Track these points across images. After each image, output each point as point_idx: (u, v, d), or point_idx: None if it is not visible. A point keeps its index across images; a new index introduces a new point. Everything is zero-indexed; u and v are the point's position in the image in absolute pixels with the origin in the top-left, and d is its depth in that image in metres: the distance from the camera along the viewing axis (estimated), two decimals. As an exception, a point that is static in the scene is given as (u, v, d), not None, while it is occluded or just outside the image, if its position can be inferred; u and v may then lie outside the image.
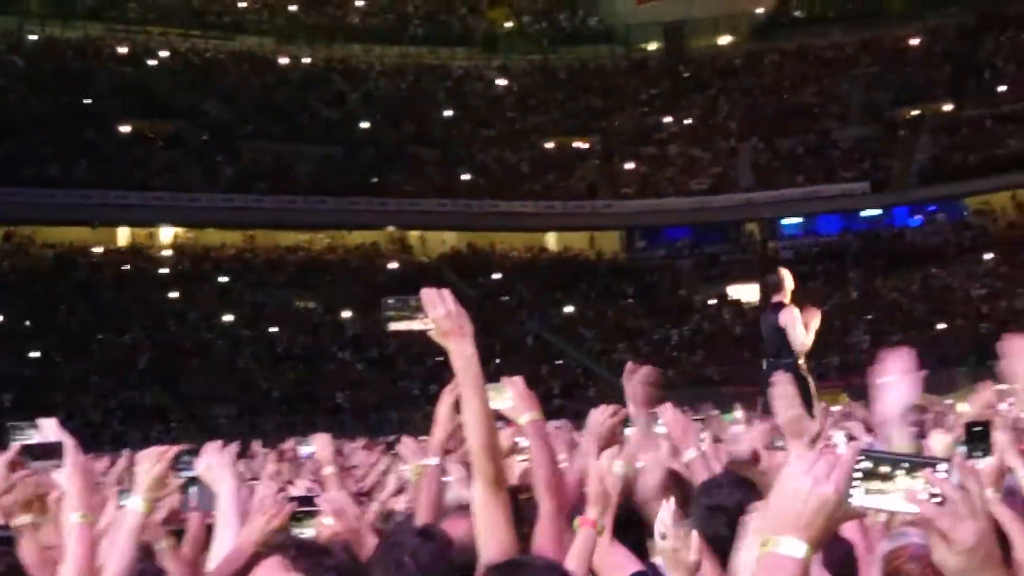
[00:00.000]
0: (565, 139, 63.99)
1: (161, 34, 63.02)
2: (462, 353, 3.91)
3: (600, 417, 5.43)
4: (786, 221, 62.54)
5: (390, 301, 3.96)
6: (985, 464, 4.78)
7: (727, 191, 60.74)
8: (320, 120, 61.26)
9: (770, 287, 13.53)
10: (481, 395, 3.98)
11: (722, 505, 4.36)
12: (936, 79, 63.55)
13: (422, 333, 3.93)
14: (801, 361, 12.72)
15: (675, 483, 5.20)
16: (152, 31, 63.04)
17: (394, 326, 3.97)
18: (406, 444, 6.42)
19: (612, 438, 5.38)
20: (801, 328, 12.79)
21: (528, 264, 60.26)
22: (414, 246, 60.28)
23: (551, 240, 63.21)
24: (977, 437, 4.79)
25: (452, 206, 58.54)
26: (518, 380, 4.74)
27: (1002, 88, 60.78)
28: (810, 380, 12.51)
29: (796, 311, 12.91)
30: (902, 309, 54.15)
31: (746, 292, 58.23)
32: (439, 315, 3.86)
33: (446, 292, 3.91)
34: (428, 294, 3.88)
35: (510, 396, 4.70)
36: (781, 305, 13.08)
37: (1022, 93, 59.77)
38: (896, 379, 4.17)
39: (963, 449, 4.89)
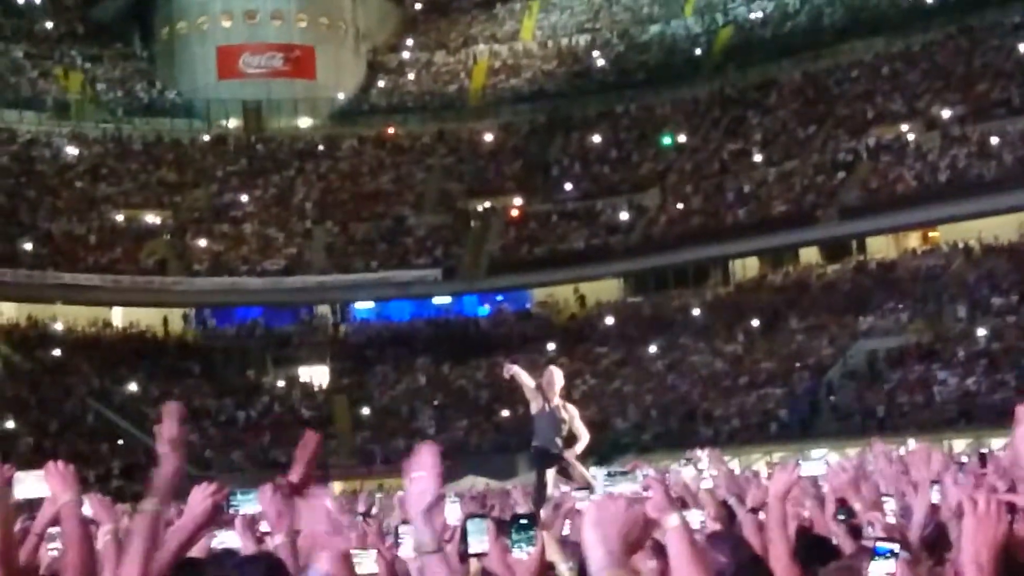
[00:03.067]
0: (136, 212, 62.30)
1: None
2: None
3: (199, 496, 5.00)
4: (358, 305, 63.03)
5: None
6: (527, 555, 4.71)
7: (300, 273, 60.61)
8: None
9: None
10: None
11: None
12: (507, 174, 65.88)
13: None
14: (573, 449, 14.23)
15: None
16: None
17: None
18: None
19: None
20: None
21: (91, 339, 58.04)
22: (-33, 317, 57.08)
23: (117, 315, 61.17)
24: (522, 528, 4.67)
25: (12, 276, 55.61)
26: (51, 464, 4.59)
27: (568, 186, 63.56)
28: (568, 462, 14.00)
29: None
30: (468, 396, 55.34)
31: (316, 374, 58.19)
32: None
33: None
34: None
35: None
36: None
37: (585, 192, 62.77)
38: (423, 475, 4.00)
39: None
